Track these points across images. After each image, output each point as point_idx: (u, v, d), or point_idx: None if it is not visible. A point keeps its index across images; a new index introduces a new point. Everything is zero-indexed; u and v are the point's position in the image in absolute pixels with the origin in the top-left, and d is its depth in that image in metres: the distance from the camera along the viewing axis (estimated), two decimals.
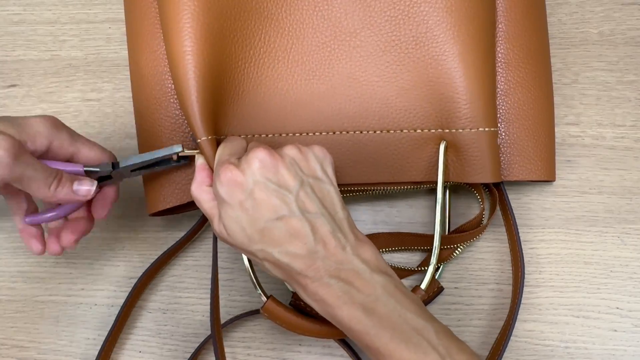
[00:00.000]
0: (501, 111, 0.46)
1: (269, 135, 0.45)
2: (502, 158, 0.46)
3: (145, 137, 0.47)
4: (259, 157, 0.37)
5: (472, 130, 0.44)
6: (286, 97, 0.45)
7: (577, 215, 0.48)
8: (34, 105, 0.54)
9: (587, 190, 0.48)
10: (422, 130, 0.45)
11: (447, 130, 0.44)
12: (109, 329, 0.47)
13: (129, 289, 0.48)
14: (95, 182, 0.41)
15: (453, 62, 0.44)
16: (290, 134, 0.45)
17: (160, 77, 0.46)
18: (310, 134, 0.45)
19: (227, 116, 0.44)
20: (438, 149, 0.44)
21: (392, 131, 0.45)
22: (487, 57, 0.44)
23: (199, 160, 0.42)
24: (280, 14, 0.45)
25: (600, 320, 0.47)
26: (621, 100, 0.50)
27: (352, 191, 0.47)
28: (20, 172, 0.37)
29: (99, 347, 0.47)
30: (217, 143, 0.42)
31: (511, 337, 0.47)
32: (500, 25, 0.46)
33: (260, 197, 0.36)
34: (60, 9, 0.55)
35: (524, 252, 0.48)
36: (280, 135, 0.45)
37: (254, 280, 0.44)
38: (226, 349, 0.48)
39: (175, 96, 0.45)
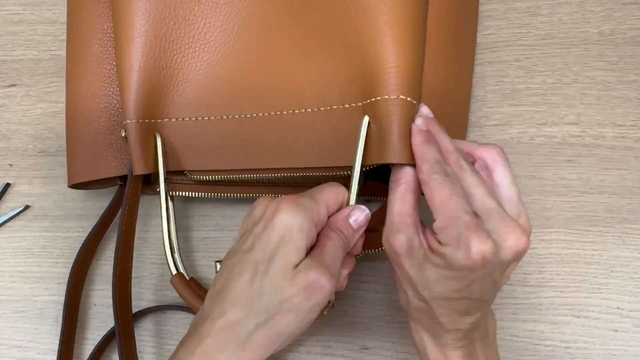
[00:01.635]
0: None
1: (211, 118, 0.45)
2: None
3: (74, 150, 0.48)
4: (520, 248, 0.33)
5: (395, 98, 0.37)
6: (223, 80, 0.45)
7: (578, 215, 0.48)
8: (33, 105, 0.54)
9: (587, 190, 0.48)
10: (344, 106, 0.41)
11: (369, 101, 0.39)
12: (108, 329, 0.47)
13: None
14: (362, 207, 0.39)
15: (383, 29, 0.38)
16: (214, 117, 0.45)
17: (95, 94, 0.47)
18: (232, 117, 0.45)
19: (166, 101, 0.45)
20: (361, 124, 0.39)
21: (313, 109, 0.42)
22: (419, 24, 0.40)
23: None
24: (220, 1, 0.45)
25: (601, 320, 0.46)
26: (622, 100, 0.50)
27: (274, 179, 0.45)
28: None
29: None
30: (149, 127, 0.44)
31: (511, 337, 0.47)
32: None
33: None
34: (60, 9, 0.55)
35: None
36: (221, 117, 0.45)
37: (168, 251, 0.45)
38: None
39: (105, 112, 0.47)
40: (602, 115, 0.49)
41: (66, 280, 0.50)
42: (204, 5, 0.45)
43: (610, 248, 0.47)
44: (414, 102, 0.38)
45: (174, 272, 0.45)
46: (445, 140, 0.36)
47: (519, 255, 0.33)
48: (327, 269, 0.34)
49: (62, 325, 0.47)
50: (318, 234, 0.37)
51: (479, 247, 0.32)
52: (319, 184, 0.40)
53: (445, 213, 0.33)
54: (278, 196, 0.40)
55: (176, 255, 0.45)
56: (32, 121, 0.53)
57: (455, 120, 0.46)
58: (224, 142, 0.45)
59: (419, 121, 0.37)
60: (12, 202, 0.52)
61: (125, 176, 0.47)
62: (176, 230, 0.46)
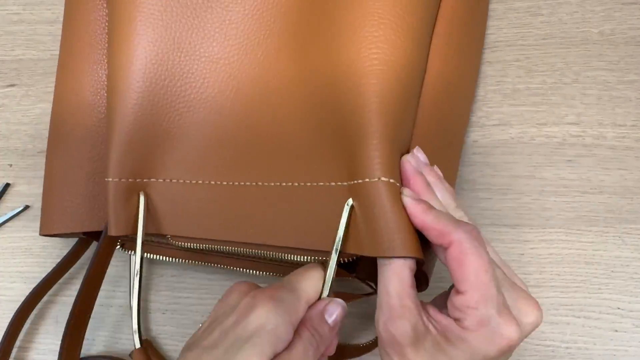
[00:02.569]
0: None
1: (199, 182, 0.42)
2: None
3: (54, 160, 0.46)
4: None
5: (376, 180, 0.34)
6: (216, 144, 0.42)
7: (578, 215, 0.48)
8: (33, 105, 0.54)
9: (587, 190, 0.48)
10: (330, 183, 0.37)
11: (354, 182, 0.35)
12: (108, 329, 0.47)
13: (128, 289, 0.48)
14: (339, 300, 0.35)
15: (371, 99, 0.35)
16: (202, 181, 0.42)
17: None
18: (220, 183, 0.42)
19: (154, 160, 0.42)
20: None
21: (299, 183, 0.39)
22: (409, 99, 0.37)
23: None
24: (222, 59, 0.43)
25: (601, 320, 0.46)
26: (622, 99, 0.50)
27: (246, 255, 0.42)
28: None
29: (98, 347, 0.47)
30: (132, 187, 0.41)
31: None
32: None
33: None
34: (59, 9, 0.55)
35: (525, 251, 0.47)
36: (210, 182, 0.42)
37: (136, 321, 0.42)
38: None
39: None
40: (602, 115, 0.49)
41: (66, 280, 0.50)
42: (203, 64, 0.42)
43: (610, 248, 0.47)
44: (397, 184, 0.34)
45: (137, 345, 0.42)
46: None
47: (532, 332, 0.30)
48: None
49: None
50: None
51: (508, 333, 0.28)
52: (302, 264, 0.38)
53: (479, 289, 0.28)
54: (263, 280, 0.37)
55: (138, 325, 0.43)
56: (31, 121, 0.53)
57: (459, 112, 0.45)
58: (208, 209, 0.42)
59: (406, 192, 0.33)
60: (12, 202, 0.52)
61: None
62: (139, 292, 0.43)
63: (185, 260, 0.46)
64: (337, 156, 0.37)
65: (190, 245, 0.42)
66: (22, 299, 0.50)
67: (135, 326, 0.42)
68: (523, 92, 0.50)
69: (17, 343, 0.49)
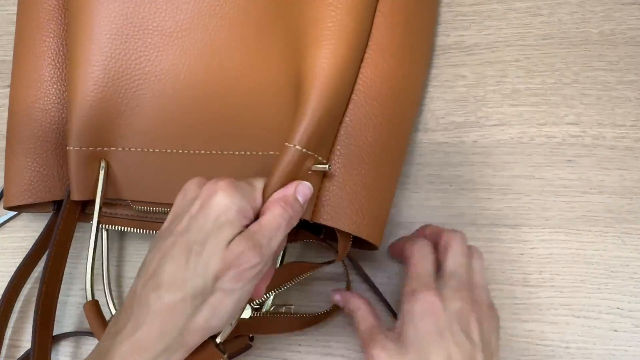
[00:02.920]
0: (340, 147, 0.42)
1: (157, 150, 0.45)
2: (329, 201, 0.41)
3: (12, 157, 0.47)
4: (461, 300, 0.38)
5: (292, 146, 0.38)
6: (172, 114, 0.45)
7: (578, 215, 0.48)
8: None
9: (587, 190, 0.48)
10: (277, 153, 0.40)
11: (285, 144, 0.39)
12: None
13: (128, 289, 0.48)
14: (306, 183, 0.39)
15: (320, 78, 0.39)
16: (159, 150, 0.45)
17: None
18: (175, 151, 0.45)
19: (113, 130, 0.45)
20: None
21: (252, 152, 0.43)
22: (348, 74, 0.41)
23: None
24: (175, 33, 0.45)
25: (600, 320, 0.46)
26: (622, 100, 0.50)
27: None
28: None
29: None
30: (92, 155, 0.44)
31: (511, 337, 0.47)
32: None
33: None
34: None
35: (525, 251, 0.48)
36: (167, 151, 0.45)
37: (89, 277, 0.45)
38: None
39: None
40: (602, 115, 0.49)
41: (66, 280, 0.50)
42: (157, 37, 0.45)
43: (610, 248, 0.47)
44: (309, 153, 0.39)
45: (89, 298, 0.45)
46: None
47: None
48: (257, 247, 0.34)
49: None
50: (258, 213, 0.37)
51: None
52: None
53: None
54: None
55: (104, 283, 0.46)
56: None
57: (401, 115, 0.45)
58: (164, 176, 0.45)
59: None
60: None
61: (60, 202, 0.47)
62: (108, 261, 0.47)
63: (142, 230, 0.47)
64: (280, 127, 0.41)
65: (148, 209, 0.46)
66: (22, 298, 0.50)
67: (88, 279, 0.45)
68: (523, 92, 0.50)
69: (17, 343, 0.49)
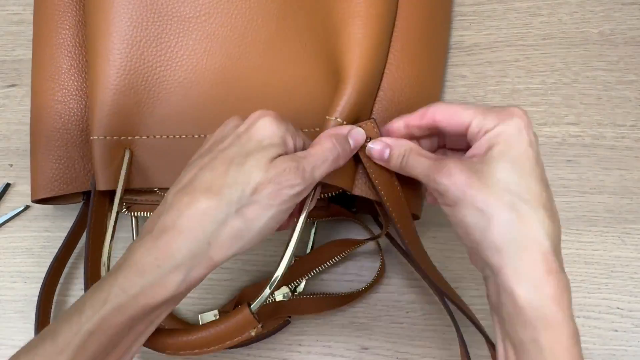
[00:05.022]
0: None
1: (183, 136, 0.45)
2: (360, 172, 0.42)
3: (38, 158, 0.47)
4: None
5: (336, 119, 0.40)
6: (195, 100, 0.45)
7: (578, 215, 0.48)
8: None
9: (587, 190, 0.48)
10: (315, 129, 0.42)
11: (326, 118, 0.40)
12: None
13: None
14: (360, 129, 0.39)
15: (352, 55, 0.41)
16: (185, 136, 0.45)
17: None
18: (203, 136, 0.45)
19: (136, 119, 0.45)
20: None
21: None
22: (381, 50, 0.42)
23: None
24: (194, 19, 0.45)
25: (600, 320, 0.46)
26: (621, 100, 0.50)
27: None
28: None
29: None
30: (117, 144, 0.44)
31: None
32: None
33: None
34: None
35: None
36: (193, 136, 0.45)
37: (105, 263, 0.44)
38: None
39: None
40: (602, 115, 0.49)
41: (66, 280, 0.50)
42: (176, 23, 0.45)
43: (610, 248, 0.47)
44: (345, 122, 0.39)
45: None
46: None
47: None
48: (301, 169, 0.34)
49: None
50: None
51: (510, 110, 0.35)
52: None
53: (474, 115, 0.35)
54: None
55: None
56: None
57: (432, 81, 0.46)
58: None
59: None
60: (12, 202, 0.52)
61: (89, 192, 0.46)
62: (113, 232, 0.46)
63: None
64: (308, 106, 0.42)
65: None
66: (23, 298, 0.50)
67: (104, 271, 0.43)
68: (523, 92, 0.50)
69: (17, 343, 0.49)
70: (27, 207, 0.52)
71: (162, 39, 0.45)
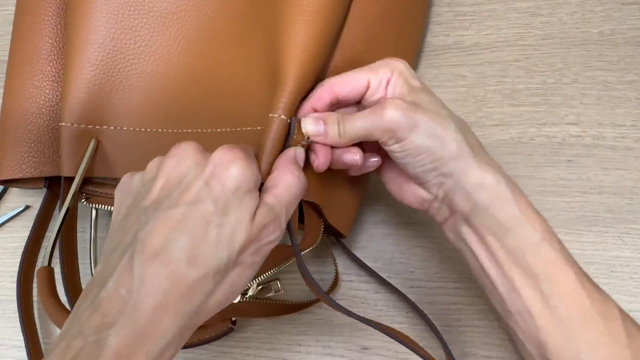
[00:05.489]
0: None
1: (147, 130, 0.46)
2: None
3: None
4: None
5: (277, 116, 0.39)
6: (163, 95, 0.46)
7: (578, 215, 0.48)
8: None
9: (587, 190, 0.48)
10: (256, 128, 0.43)
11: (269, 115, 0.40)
12: None
13: None
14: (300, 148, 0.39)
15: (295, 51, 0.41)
16: (150, 129, 0.46)
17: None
18: (168, 131, 0.45)
19: (106, 109, 0.45)
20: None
21: (246, 128, 0.44)
22: (324, 47, 0.42)
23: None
24: (170, 14, 0.46)
25: None
26: (622, 100, 0.50)
27: None
28: None
29: None
30: (84, 132, 0.44)
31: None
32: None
33: None
34: None
35: None
36: (157, 130, 0.45)
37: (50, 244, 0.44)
38: (226, 349, 0.48)
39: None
40: (602, 115, 0.49)
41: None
42: (152, 19, 0.46)
43: (610, 248, 0.47)
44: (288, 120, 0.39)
45: (45, 264, 0.44)
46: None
47: None
48: (278, 220, 0.33)
49: (21, 324, 0.48)
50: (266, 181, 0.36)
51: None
52: None
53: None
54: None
55: (92, 264, 0.47)
56: None
57: None
58: (155, 155, 0.44)
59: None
60: (12, 202, 0.52)
61: (51, 178, 0.47)
62: (96, 241, 0.48)
63: None
64: (263, 103, 0.42)
65: None
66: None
67: (48, 249, 0.44)
68: (523, 92, 0.50)
69: (17, 343, 0.49)
70: (27, 207, 0.52)
71: (138, 32, 0.46)
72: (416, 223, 0.49)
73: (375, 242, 0.49)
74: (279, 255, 0.45)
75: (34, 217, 0.52)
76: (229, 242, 0.31)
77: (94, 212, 0.49)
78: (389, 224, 0.49)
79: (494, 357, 0.47)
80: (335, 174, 0.42)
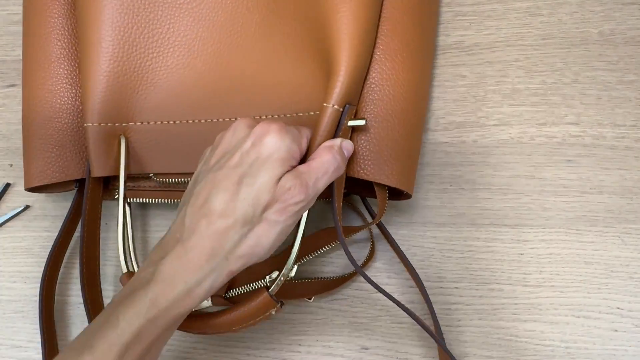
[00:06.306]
0: (368, 106, 0.43)
1: (177, 122, 0.46)
2: (362, 155, 0.43)
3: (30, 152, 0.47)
4: None
5: (333, 107, 0.41)
6: (189, 85, 0.46)
7: (578, 215, 0.48)
8: None
9: (587, 190, 0.48)
10: (309, 113, 0.44)
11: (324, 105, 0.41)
12: None
13: None
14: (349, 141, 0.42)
15: (341, 39, 0.42)
16: (179, 121, 0.46)
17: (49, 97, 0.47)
18: (197, 121, 0.45)
19: (130, 105, 0.45)
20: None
21: (279, 115, 0.44)
22: (369, 36, 0.43)
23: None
24: (185, 4, 0.46)
25: (600, 320, 0.46)
26: (621, 100, 0.50)
27: None
28: None
29: None
30: (111, 131, 0.45)
31: (511, 337, 0.47)
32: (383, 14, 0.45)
33: None
34: None
35: (525, 251, 0.48)
36: (187, 121, 0.46)
37: (121, 251, 0.45)
38: (226, 349, 0.48)
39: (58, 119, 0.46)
40: (602, 115, 0.49)
41: (66, 280, 0.50)
42: (167, 9, 0.45)
43: (610, 248, 0.47)
44: (341, 109, 0.41)
45: (125, 270, 0.45)
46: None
47: None
48: (304, 185, 0.37)
49: (40, 327, 0.47)
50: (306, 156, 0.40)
51: None
52: None
53: None
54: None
55: (131, 256, 0.46)
56: None
57: (422, 68, 0.46)
58: (188, 146, 0.45)
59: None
60: (12, 202, 0.52)
61: (82, 180, 0.47)
62: (132, 232, 0.47)
63: (166, 200, 0.48)
64: (315, 88, 0.43)
65: (171, 180, 0.46)
66: (23, 298, 0.50)
67: (121, 253, 0.45)
68: (523, 92, 0.50)
69: (17, 343, 0.49)
70: (27, 207, 0.52)
71: (154, 25, 0.45)
72: (415, 223, 0.49)
73: (375, 242, 0.49)
74: (324, 238, 0.46)
75: (34, 218, 0.52)
76: (255, 198, 0.36)
77: (127, 207, 0.47)
78: (389, 223, 0.49)
79: (494, 357, 0.47)
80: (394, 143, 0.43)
